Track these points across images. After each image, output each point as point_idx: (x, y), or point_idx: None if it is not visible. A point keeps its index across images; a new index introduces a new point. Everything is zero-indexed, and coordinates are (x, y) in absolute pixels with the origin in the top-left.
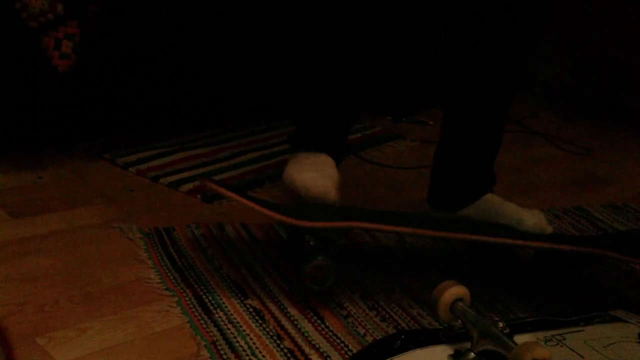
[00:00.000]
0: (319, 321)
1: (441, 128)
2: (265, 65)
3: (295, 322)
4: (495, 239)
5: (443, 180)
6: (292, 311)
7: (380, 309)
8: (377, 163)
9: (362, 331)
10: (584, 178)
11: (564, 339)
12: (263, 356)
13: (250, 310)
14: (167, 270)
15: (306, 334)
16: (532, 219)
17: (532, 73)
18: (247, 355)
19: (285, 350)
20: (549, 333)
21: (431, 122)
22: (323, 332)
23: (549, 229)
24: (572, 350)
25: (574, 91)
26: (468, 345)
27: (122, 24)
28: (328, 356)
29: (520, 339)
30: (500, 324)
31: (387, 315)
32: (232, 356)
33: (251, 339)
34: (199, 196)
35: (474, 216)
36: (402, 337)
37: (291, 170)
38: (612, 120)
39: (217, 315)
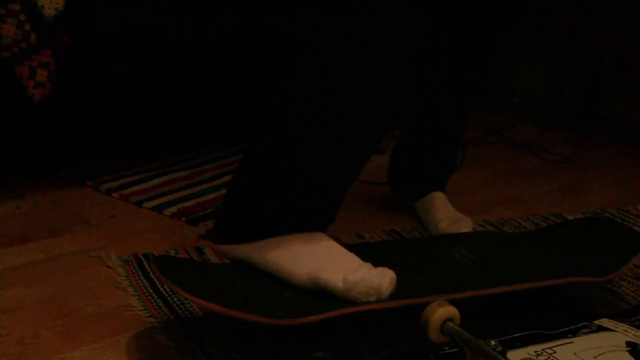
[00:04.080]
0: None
1: (402, 134)
2: (241, 88)
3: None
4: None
5: (399, 176)
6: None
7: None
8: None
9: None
10: (564, 186)
11: (554, 352)
12: None
13: (237, 332)
14: (149, 297)
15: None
16: (448, 226)
17: (509, 84)
18: None
19: None
20: (539, 347)
21: None
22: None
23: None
24: None
25: (552, 101)
26: None
27: (98, 51)
28: None
29: (512, 354)
30: (493, 342)
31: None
32: None
33: None
34: (183, 219)
35: (420, 210)
36: None
37: (326, 267)
38: (591, 129)
39: (203, 340)
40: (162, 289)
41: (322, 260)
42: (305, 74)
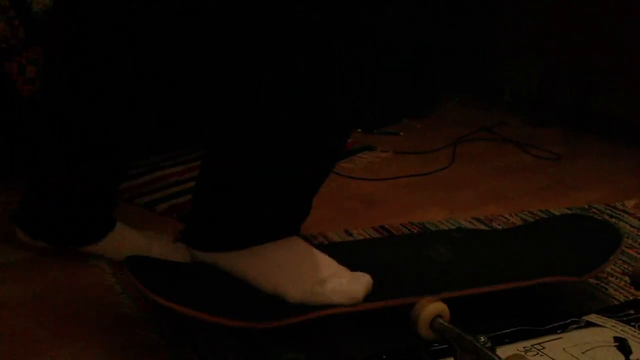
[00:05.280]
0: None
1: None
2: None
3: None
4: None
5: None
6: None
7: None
8: (347, 176)
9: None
10: (554, 183)
11: (543, 347)
12: None
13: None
14: (138, 294)
15: None
16: None
17: (501, 82)
18: None
19: None
20: (528, 343)
21: (401, 133)
22: None
23: None
24: (552, 358)
25: (544, 99)
26: None
27: (88, 46)
28: None
29: (501, 351)
30: (482, 338)
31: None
32: None
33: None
34: (175, 215)
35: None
36: (384, 357)
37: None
38: (581, 126)
39: (194, 337)
40: None
41: (291, 273)
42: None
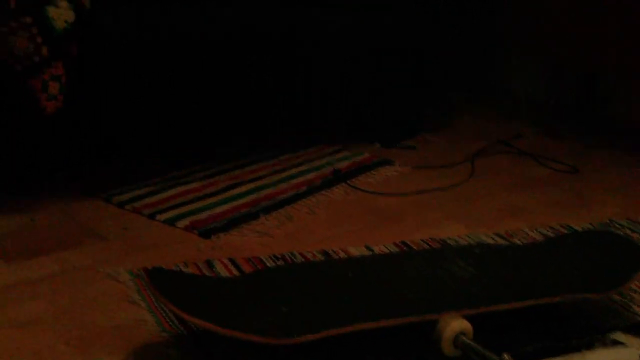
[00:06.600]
0: None
1: None
2: (251, 99)
3: None
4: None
5: None
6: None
7: None
8: (367, 190)
9: None
10: (573, 197)
11: None
12: None
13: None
14: (162, 312)
15: None
16: None
17: (516, 94)
18: None
19: None
20: None
21: (416, 147)
22: None
23: None
24: None
25: (559, 110)
26: None
27: (107, 62)
28: None
29: None
30: (506, 356)
31: None
32: None
33: None
34: (195, 231)
35: None
36: None
37: None
38: (599, 137)
39: (215, 355)
40: None
41: None
42: None
